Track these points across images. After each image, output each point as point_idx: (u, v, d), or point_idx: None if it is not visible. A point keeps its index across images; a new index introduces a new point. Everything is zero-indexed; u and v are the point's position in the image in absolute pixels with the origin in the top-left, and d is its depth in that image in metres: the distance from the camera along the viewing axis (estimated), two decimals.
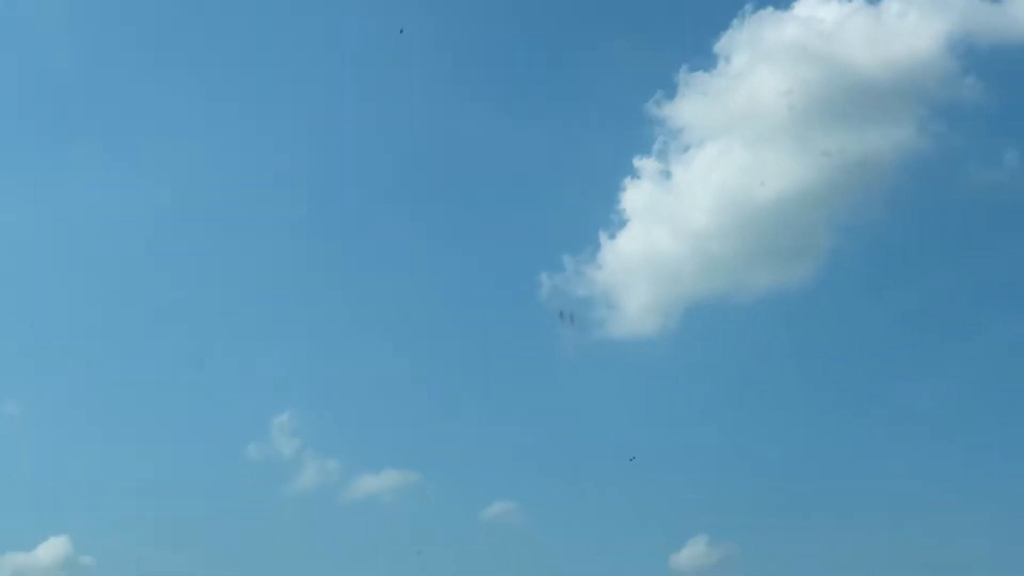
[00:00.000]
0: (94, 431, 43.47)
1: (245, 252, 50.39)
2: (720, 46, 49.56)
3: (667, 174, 50.06)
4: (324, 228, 52.60)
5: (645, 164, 51.49)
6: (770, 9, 49.39)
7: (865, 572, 42.07)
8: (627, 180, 50.62)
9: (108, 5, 55.71)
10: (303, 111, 53.49)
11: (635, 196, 50.75)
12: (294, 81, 54.39)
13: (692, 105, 50.47)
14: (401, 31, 50.62)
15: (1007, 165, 46.76)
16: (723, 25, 49.13)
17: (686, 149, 49.83)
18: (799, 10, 49.87)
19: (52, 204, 49.52)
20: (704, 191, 50.29)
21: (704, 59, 49.88)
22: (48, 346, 45.53)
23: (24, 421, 43.66)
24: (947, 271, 48.46)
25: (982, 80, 47.17)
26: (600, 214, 50.41)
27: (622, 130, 54.10)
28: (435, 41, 56.04)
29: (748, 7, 48.73)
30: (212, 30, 54.03)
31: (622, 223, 49.79)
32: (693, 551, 39.15)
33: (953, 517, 37.25)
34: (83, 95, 52.90)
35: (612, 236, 49.45)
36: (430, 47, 56.24)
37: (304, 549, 38.88)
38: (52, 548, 38.56)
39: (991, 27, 49.15)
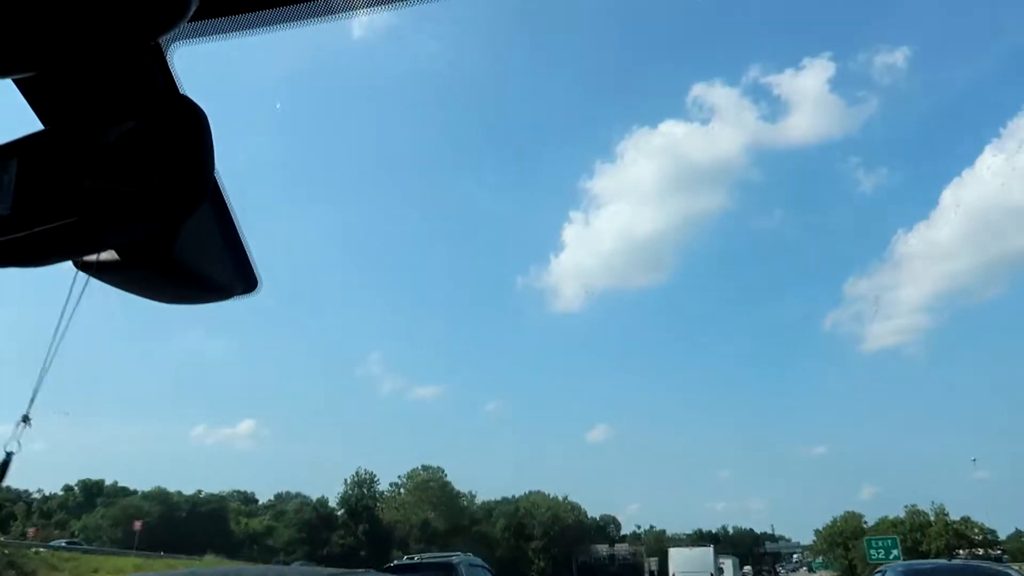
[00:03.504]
0: None
1: None
2: (619, 148, 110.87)
3: (587, 221, 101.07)
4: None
5: (576, 215, 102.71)
6: (646, 127, 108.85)
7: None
8: (565, 224, 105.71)
9: None
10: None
11: (570, 233, 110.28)
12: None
13: (603, 182, 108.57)
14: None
15: (775, 217, 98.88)
16: (621, 137, 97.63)
17: (599, 207, 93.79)
18: (663, 128, 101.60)
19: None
20: (608, 230, 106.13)
21: (610, 156, 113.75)
22: None
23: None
24: (743, 275, 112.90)
25: (761, 168, 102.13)
26: (550, 242, 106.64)
27: (564, 196, 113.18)
28: (445, 138, 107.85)
29: (634, 127, 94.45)
30: None
31: (562, 247, 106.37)
32: (598, 431, 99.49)
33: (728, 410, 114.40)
34: None
35: (556, 255, 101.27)
36: (443, 143, 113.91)
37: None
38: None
39: (767, 139, 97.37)
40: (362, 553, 56.43)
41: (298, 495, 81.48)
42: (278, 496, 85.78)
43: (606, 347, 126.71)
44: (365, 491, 78.98)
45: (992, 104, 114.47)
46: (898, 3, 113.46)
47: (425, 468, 76.88)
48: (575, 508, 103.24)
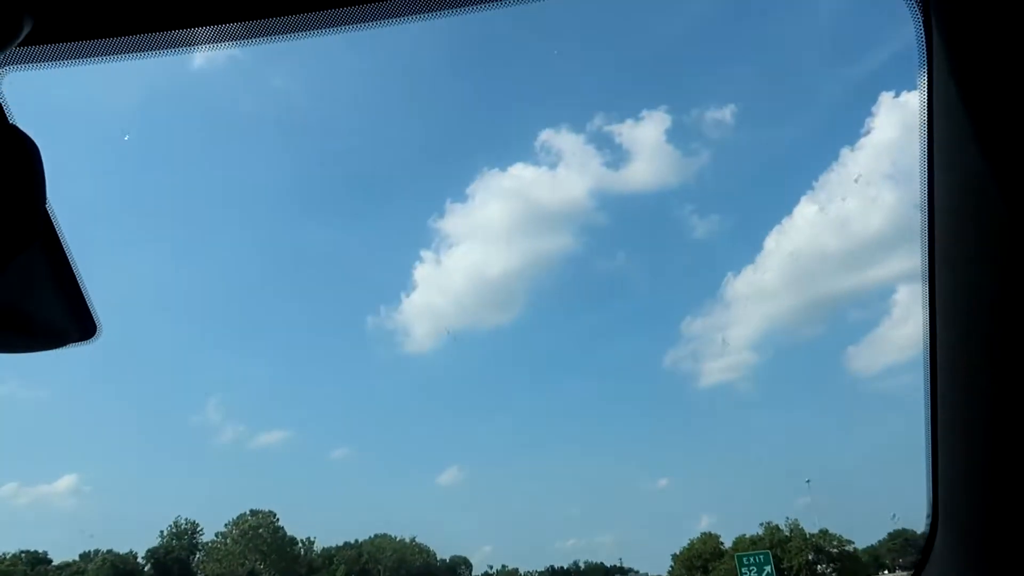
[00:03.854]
0: None
1: None
2: (469, 189, 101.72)
3: (439, 260, 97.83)
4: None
5: (427, 254, 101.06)
6: (496, 169, 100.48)
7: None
8: (417, 263, 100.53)
9: None
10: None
11: (421, 272, 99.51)
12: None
13: (453, 221, 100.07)
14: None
15: (618, 260, 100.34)
16: (471, 178, 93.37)
17: (450, 246, 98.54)
18: (512, 171, 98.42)
19: None
20: (459, 270, 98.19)
21: (461, 197, 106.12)
22: None
23: None
24: (586, 315, 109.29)
25: (605, 213, 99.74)
26: (401, 281, 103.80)
27: (415, 235, 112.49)
28: (293, 178, 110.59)
29: (484, 168, 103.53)
30: None
31: (414, 287, 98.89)
32: (449, 473, 74.42)
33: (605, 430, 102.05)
34: None
35: (408, 294, 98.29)
36: (291, 182, 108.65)
37: None
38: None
39: (611, 185, 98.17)
40: None
41: (109, 551, 71.44)
42: (83, 555, 74.77)
43: (458, 387, 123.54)
44: (184, 542, 70.82)
45: (807, 159, 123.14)
46: (726, 64, 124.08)
47: (254, 513, 69.56)
48: (423, 551, 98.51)
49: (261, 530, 68.82)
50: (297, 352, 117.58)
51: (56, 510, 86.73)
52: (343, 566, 79.74)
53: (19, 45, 0.69)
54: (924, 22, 1.22)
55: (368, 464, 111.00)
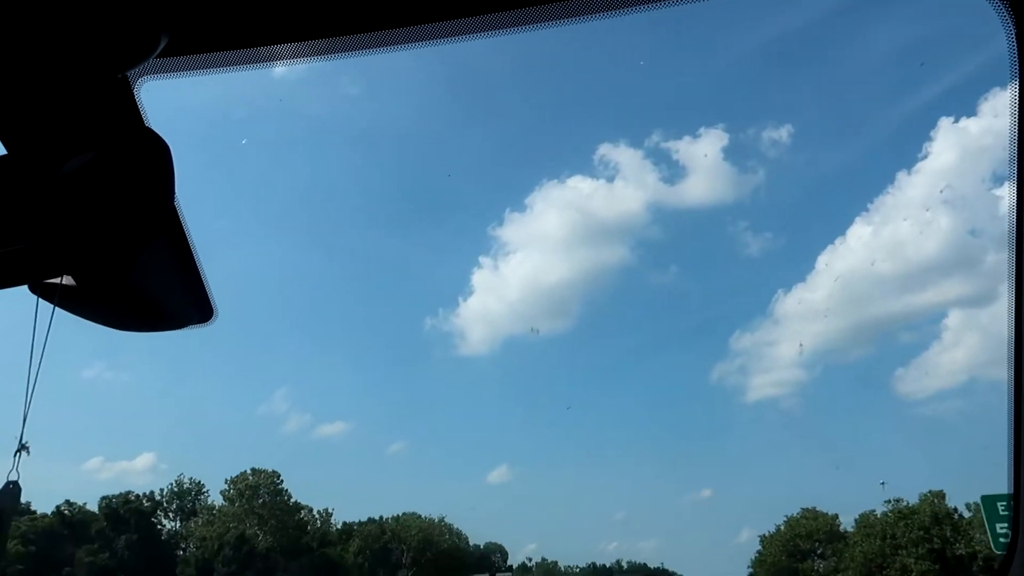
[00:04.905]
0: None
1: None
2: (528, 200, 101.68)
3: (496, 267, 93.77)
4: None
5: (485, 261, 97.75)
6: (555, 181, 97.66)
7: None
8: (475, 269, 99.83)
9: None
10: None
11: (479, 278, 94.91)
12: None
13: (512, 230, 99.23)
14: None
15: (671, 273, 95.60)
16: (530, 189, 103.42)
17: (508, 254, 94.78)
18: (571, 183, 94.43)
19: None
20: (516, 277, 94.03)
21: (519, 207, 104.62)
22: None
23: None
24: (637, 326, 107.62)
25: (660, 227, 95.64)
26: (460, 287, 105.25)
27: (475, 242, 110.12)
28: (361, 183, 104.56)
29: (543, 179, 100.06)
30: None
31: (471, 292, 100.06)
32: (499, 472, 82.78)
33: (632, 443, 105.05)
34: None
35: (466, 299, 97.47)
36: (359, 188, 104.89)
37: None
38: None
39: (667, 199, 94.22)
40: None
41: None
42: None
43: (510, 391, 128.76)
44: (186, 503, 62.78)
45: (862, 181, 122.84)
46: (784, 86, 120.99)
47: (255, 472, 61.00)
48: (454, 533, 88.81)
49: (261, 491, 60.00)
50: (360, 349, 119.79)
51: (133, 485, 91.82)
52: (358, 541, 70.58)
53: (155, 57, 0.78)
54: (1018, 34, 1.19)
55: (422, 459, 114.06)
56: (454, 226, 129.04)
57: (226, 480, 61.18)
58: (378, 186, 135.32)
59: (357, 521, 79.49)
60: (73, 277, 0.89)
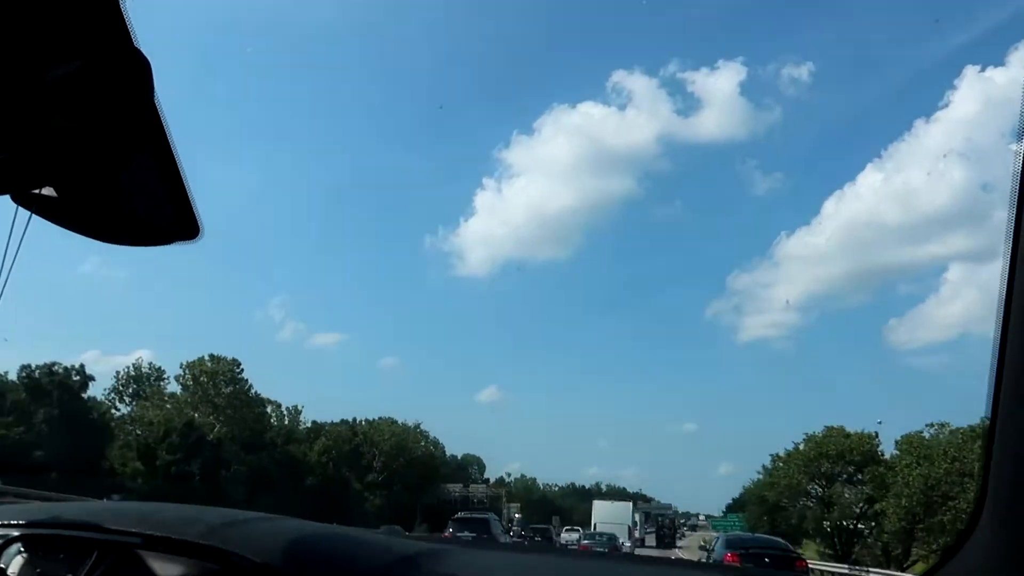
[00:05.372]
0: None
1: None
2: (537, 123, 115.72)
3: (500, 190, 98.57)
4: None
5: (489, 183, 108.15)
6: (566, 105, 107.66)
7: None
8: (479, 190, 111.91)
9: None
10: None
11: (482, 199, 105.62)
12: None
13: (518, 153, 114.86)
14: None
15: (675, 208, 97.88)
16: (540, 112, 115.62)
17: (512, 177, 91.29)
18: (582, 108, 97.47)
19: None
20: (519, 201, 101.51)
21: (527, 129, 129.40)
22: None
23: None
24: (637, 258, 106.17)
25: (669, 160, 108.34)
26: (462, 207, 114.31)
27: (479, 163, 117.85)
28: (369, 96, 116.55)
29: (554, 103, 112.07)
30: None
31: (473, 213, 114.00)
32: (488, 392, 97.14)
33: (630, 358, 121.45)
34: None
35: (467, 220, 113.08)
36: (367, 101, 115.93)
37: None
38: None
39: (678, 132, 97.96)
40: (38, 452, 36.01)
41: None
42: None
43: (506, 314, 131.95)
44: (143, 388, 58.73)
45: (879, 127, 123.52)
46: (807, 23, 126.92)
47: (214, 358, 56.68)
48: (430, 441, 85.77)
49: (220, 378, 55.75)
50: (358, 263, 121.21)
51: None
52: (325, 440, 67.15)
53: None
54: None
55: (414, 375, 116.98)
56: (460, 147, 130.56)
57: (182, 364, 56.89)
58: (384, 101, 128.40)
59: (329, 422, 76.12)
60: (54, 188, 0.87)
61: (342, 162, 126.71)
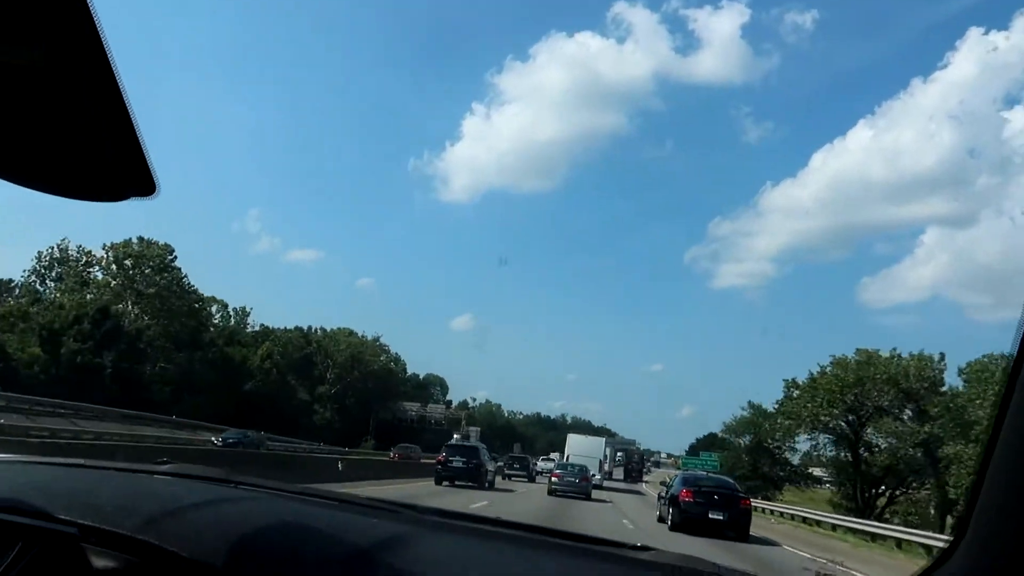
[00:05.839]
0: None
1: None
2: (532, 49, 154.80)
3: (489, 116, 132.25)
4: None
5: (478, 108, 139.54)
6: (563, 34, 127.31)
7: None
8: (467, 115, 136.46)
9: None
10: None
11: (470, 125, 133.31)
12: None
13: (510, 79, 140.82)
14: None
15: (665, 149, 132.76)
16: (536, 38, 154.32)
17: (503, 104, 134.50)
18: (579, 37, 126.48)
19: None
20: (507, 129, 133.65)
21: (522, 55, 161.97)
22: None
23: None
24: (621, 196, 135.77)
25: (663, 99, 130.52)
26: (448, 131, 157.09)
27: (470, 87, 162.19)
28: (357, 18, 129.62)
29: (551, 30, 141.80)
30: None
31: (459, 138, 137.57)
32: (462, 320, 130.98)
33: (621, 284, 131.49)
34: None
35: (453, 144, 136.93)
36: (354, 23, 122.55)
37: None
38: None
39: (675, 71, 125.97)
40: None
41: None
42: None
43: (485, 242, 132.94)
44: (67, 270, 51.86)
45: (875, 83, 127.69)
46: None
47: (143, 242, 49.89)
48: (390, 357, 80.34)
49: (147, 263, 49.15)
50: (338, 180, 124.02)
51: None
52: (270, 345, 61.28)
53: None
54: None
55: (389, 297, 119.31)
56: (451, 69, 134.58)
57: (104, 246, 50.10)
58: (377, 17, 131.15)
59: (282, 328, 70.16)
60: None
61: (330, 80, 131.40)
